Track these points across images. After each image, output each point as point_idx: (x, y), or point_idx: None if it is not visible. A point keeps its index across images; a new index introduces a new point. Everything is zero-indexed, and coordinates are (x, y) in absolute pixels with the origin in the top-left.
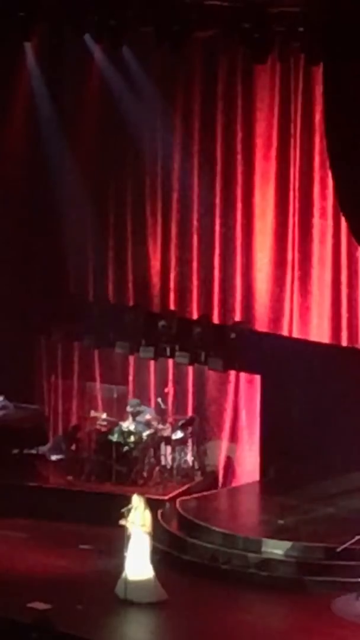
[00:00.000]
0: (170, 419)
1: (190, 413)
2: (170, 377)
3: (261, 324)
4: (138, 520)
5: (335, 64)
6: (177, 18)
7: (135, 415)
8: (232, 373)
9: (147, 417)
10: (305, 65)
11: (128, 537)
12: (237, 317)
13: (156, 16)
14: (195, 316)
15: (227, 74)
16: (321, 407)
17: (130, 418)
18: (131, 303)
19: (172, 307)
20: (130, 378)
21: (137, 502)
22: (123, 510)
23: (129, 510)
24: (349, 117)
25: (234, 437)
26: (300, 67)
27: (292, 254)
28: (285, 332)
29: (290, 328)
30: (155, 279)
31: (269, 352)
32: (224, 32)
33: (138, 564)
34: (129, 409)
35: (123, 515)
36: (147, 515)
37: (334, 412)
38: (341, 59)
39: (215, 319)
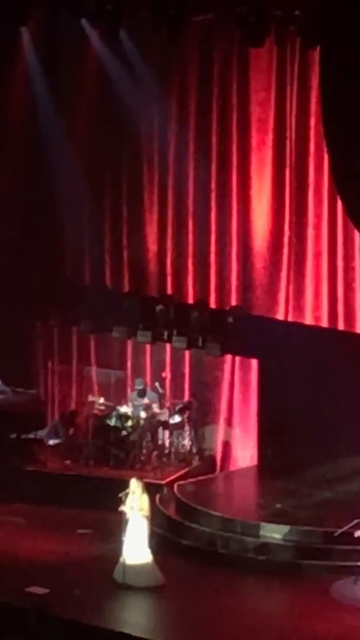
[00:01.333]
0: (167, 403)
1: (187, 397)
2: (169, 362)
3: (257, 308)
4: (136, 504)
5: (332, 47)
6: (174, 2)
7: (142, 393)
8: (230, 357)
9: (146, 401)
10: (302, 48)
11: (126, 522)
12: (234, 301)
13: (153, 1)
14: (191, 300)
15: (223, 57)
16: (319, 391)
17: (130, 403)
18: (127, 288)
19: (168, 291)
20: (128, 363)
21: (135, 487)
22: (121, 494)
23: (126, 495)
24: (345, 99)
25: (231, 421)
26: (297, 51)
27: (288, 238)
28: (281, 317)
29: (286, 312)
30: (152, 264)
31: (267, 336)
32: (220, 16)
33: (136, 548)
34: (137, 387)
35: (121, 500)
36: (145, 499)
37: (332, 396)
38: (338, 41)
39: (212, 303)
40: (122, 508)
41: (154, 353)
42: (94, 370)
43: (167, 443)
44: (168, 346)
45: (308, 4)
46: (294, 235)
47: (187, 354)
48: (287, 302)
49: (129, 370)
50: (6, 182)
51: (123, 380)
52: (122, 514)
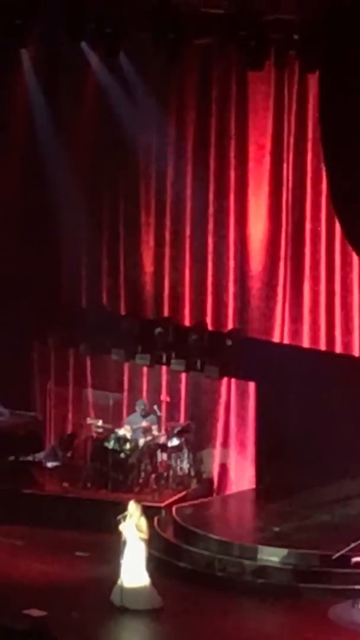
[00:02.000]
0: (165, 426)
1: (182, 420)
2: (166, 384)
3: (254, 331)
4: (134, 526)
5: (331, 71)
6: (173, 26)
7: (144, 415)
8: (227, 379)
9: (144, 423)
10: (300, 72)
11: (123, 544)
12: (230, 324)
13: (153, 24)
14: (187, 322)
15: (221, 80)
16: (316, 414)
17: (128, 425)
18: (124, 309)
19: (165, 313)
20: (125, 385)
21: (133, 509)
22: (119, 517)
23: (125, 517)
24: (344, 122)
25: (229, 444)
26: (295, 74)
27: (284, 262)
28: (278, 339)
29: (282, 335)
30: (149, 286)
31: (265, 359)
32: (220, 40)
33: (134, 571)
34: (137, 408)
35: (119, 522)
36: (143, 521)
37: (329, 419)
38: (337, 66)
39: (209, 326)
40: (121, 528)
41: (150, 375)
42: (92, 392)
43: (165, 466)
44: (164, 369)
45: (308, 29)
46: (291, 258)
47: (183, 376)
48: (282, 324)
49: (125, 393)
50: (4, 203)
51: (121, 403)
52: (120, 536)
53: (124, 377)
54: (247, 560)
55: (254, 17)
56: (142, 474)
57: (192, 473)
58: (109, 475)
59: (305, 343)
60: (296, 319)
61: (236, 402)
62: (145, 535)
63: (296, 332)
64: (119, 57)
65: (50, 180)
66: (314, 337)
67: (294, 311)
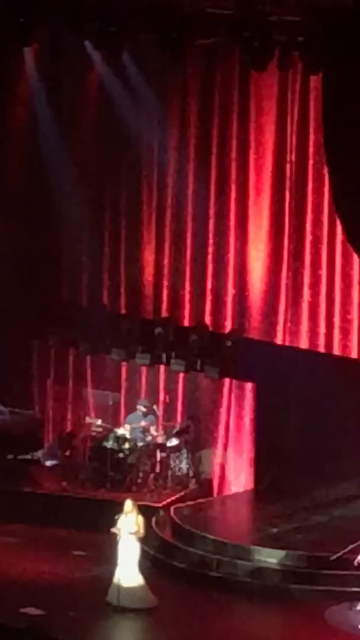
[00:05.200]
0: (163, 426)
1: (179, 420)
2: (165, 384)
3: (253, 332)
4: (130, 525)
5: (334, 72)
6: (177, 25)
7: (145, 414)
8: (226, 380)
9: (143, 423)
10: (304, 73)
11: (118, 543)
12: (229, 325)
13: (156, 23)
14: (188, 323)
15: (224, 80)
16: (315, 415)
17: (127, 425)
18: (125, 309)
19: (165, 314)
20: (123, 385)
21: (129, 507)
22: (117, 516)
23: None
24: (347, 124)
25: (227, 445)
26: (299, 75)
27: (286, 263)
28: (277, 341)
29: (283, 336)
30: (149, 286)
31: (265, 361)
32: (224, 40)
33: (128, 570)
34: (139, 407)
35: (117, 522)
36: (139, 520)
37: (328, 421)
38: (341, 67)
39: (208, 327)
40: (114, 530)
41: (149, 375)
42: (91, 391)
43: (164, 466)
44: (162, 369)
45: (312, 30)
46: (292, 259)
47: (180, 377)
48: (284, 326)
49: (123, 393)
50: (5, 203)
51: (119, 402)
52: (116, 535)
53: (123, 377)
54: (244, 561)
55: (258, 18)
56: (141, 474)
57: (191, 473)
58: (107, 474)
59: (304, 344)
60: (296, 320)
61: (235, 403)
62: (142, 533)
63: (296, 334)
64: (122, 56)
65: (51, 179)
66: (313, 339)
67: (294, 312)
